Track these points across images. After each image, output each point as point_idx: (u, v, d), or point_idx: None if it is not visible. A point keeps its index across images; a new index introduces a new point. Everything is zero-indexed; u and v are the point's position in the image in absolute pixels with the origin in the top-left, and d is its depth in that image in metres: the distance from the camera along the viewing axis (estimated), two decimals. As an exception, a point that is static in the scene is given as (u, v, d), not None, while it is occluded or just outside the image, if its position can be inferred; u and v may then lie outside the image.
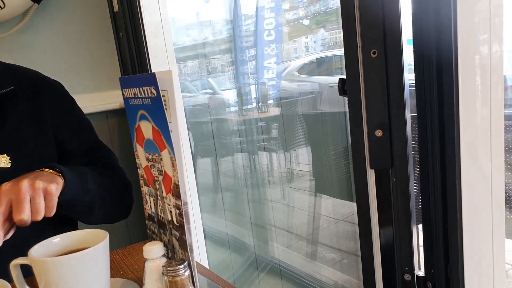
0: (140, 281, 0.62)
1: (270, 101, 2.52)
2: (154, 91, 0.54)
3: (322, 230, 1.83)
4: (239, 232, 1.95)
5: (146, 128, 0.59)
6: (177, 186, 0.55)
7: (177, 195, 0.56)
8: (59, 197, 0.68)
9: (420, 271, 0.66)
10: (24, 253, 0.55)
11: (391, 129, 0.54)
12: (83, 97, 1.25)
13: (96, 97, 1.34)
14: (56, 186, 0.65)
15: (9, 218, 0.60)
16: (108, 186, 0.85)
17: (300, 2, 2.95)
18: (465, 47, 0.48)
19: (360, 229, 0.69)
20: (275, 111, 2.47)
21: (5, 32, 1.22)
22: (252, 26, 2.50)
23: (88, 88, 1.34)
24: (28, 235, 0.65)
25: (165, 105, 0.54)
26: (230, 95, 2.53)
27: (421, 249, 0.67)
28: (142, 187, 0.65)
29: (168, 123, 0.53)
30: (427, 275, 0.63)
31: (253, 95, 2.50)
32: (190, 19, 2.48)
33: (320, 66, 2.77)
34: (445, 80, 0.46)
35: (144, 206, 0.66)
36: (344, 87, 0.55)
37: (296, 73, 3.00)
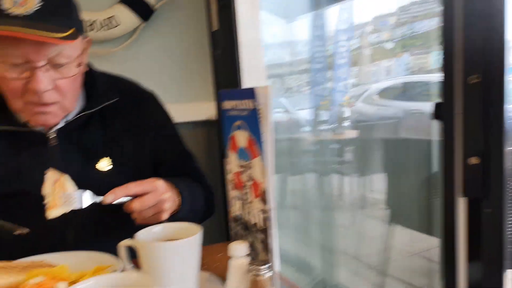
0: (220, 277, 0.67)
1: (347, 123, 2.49)
2: (252, 104, 0.59)
3: (393, 262, 1.74)
4: (305, 252, 1.94)
5: (241, 137, 0.64)
6: (265, 192, 0.59)
7: (264, 200, 0.60)
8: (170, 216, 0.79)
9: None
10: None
11: (487, 157, 0.52)
12: (174, 107, 1.38)
13: (185, 108, 1.46)
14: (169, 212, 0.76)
15: (134, 197, 0.71)
16: (204, 200, 0.92)
17: (384, 25, 2.90)
18: None
19: (443, 265, 0.65)
20: (351, 133, 2.43)
21: (116, 47, 1.41)
22: (332, 48, 2.52)
23: (180, 98, 1.47)
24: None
25: (260, 117, 0.59)
26: (305, 115, 2.55)
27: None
28: (230, 191, 0.70)
29: (262, 134, 0.58)
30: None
31: (329, 116, 2.50)
32: (274, 39, 2.57)
33: (403, 91, 2.67)
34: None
35: (231, 209, 0.71)
36: (437, 112, 0.54)
37: (376, 97, 2.93)
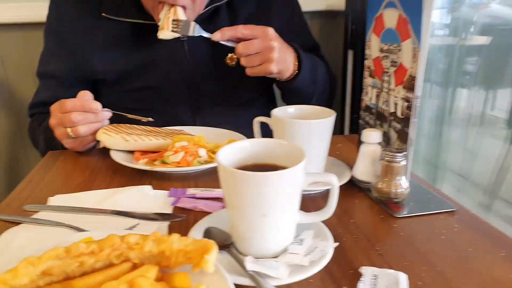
0: (344, 162, 0.68)
1: (476, 28, 2.13)
2: (415, -26, 0.51)
3: (508, 184, 1.60)
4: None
5: (390, 17, 0.58)
6: (412, 79, 0.55)
7: (410, 87, 0.55)
8: (288, 83, 0.77)
9: None
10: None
11: None
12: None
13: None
14: (279, 67, 0.75)
15: (237, 42, 0.74)
16: (327, 78, 0.90)
17: None
18: None
19: None
20: (479, 40, 2.09)
21: None
22: None
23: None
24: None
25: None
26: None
27: None
28: (365, 78, 0.67)
29: (423, 10, 0.51)
30: None
31: (454, 19, 2.16)
32: None
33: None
34: None
35: (363, 97, 0.68)
36: None
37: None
